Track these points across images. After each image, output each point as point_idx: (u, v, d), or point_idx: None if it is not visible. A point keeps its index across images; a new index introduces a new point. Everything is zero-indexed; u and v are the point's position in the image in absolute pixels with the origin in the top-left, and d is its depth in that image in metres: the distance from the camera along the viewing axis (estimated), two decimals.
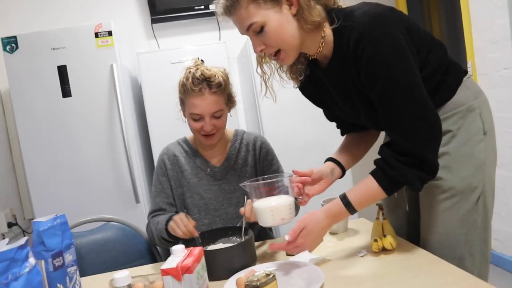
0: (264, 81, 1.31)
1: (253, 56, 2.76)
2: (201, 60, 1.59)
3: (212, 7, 3.28)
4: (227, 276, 1.22)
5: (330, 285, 1.11)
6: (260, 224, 1.29)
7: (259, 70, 1.31)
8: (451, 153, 1.18)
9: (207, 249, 1.36)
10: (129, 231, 1.75)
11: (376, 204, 1.40)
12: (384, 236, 1.28)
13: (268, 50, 1.18)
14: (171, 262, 1.01)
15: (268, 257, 1.40)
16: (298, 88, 1.41)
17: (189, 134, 1.71)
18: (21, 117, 2.63)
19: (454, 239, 1.22)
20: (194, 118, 1.54)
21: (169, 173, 1.65)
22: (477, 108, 1.22)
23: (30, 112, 2.63)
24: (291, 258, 1.28)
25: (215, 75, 1.51)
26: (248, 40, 2.78)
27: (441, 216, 1.23)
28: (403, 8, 3.78)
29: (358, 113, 1.27)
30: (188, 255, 1.05)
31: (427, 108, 1.10)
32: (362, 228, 1.54)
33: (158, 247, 1.75)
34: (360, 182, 1.20)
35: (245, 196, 1.34)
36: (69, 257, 1.23)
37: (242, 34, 1.21)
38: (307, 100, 1.46)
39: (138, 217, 2.62)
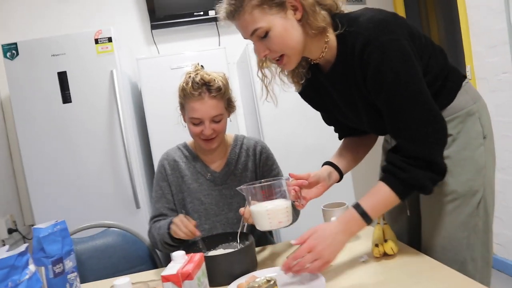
0: (265, 85, 1.30)
1: (253, 61, 2.79)
2: (201, 66, 1.59)
3: (211, 13, 3.31)
4: (228, 282, 1.22)
5: None
6: (258, 228, 1.28)
7: (260, 74, 1.30)
8: (452, 157, 1.18)
9: (208, 255, 1.36)
10: (129, 237, 1.74)
11: None
12: (385, 241, 1.27)
13: (271, 54, 1.17)
14: (172, 269, 1.00)
15: (269, 262, 1.40)
16: (297, 92, 1.40)
17: (189, 139, 1.70)
18: (21, 123, 2.63)
19: (455, 243, 1.22)
20: (194, 122, 1.54)
21: (170, 179, 1.65)
22: (477, 112, 1.22)
23: (30, 118, 2.63)
24: None
25: (214, 80, 1.52)
26: (248, 46, 2.82)
27: (442, 220, 1.23)
28: (401, 13, 3.79)
29: (360, 118, 1.27)
30: (188, 261, 1.04)
31: (434, 113, 1.10)
32: (363, 233, 1.52)
33: (158, 253, 1.74)
34: (371, 190, 1.17)
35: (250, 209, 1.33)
36: (69, 263, 1.22)
37: (245, 38, 1.20)
38: (307, 105, 1.46)
39: (139, 223, 2.61)
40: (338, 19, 1.15)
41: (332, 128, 1.51)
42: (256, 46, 1.18)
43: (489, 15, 2.67)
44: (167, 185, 1.65)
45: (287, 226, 1.30)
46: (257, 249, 1.50)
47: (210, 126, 1.53)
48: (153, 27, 3.37)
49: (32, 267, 0.95)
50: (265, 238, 1.69)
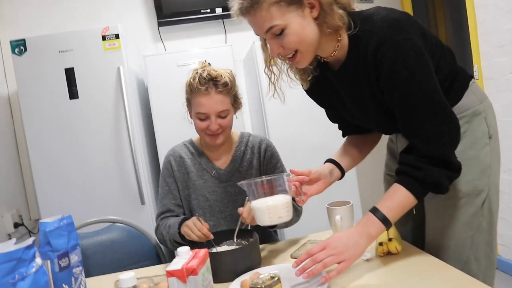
0: (272, 82, 1.29)
1: (259, 59, 2.80)
2: (208, 63, 1.60)
3: (218, 10, 3.31)
4: (232, 279, 1.22)
5: None
6: (258, 223, 1.29)
7: (267, 71, 1.29)
8: (457, 156, 1.18)
9: (212, 252, 1.36)
10: (134, 233, 1.75)
11: None
12: (390, 240, 1.27)
13: (285, 52, 1.16)
14: (176, 264, 1.01)
15: (273, 259, 1.40)
16: (303, 87, 1.38)
17: (195, 136, 1.71)
18: (28, 119, 2.65)
19: (459, 243, 1.22)
20: (200, 117, 1.55)
21: (176, 175, 1.65)
22: (483, 112, 1.22)
23: (37, 114, 2.65)
24: None
25: (221, 75, 1.53)
26: (254, 43, 2.82)
27: (446, 219, 1.23)
28: (408, 12, 3.77)
29: (368, 117, 1.26)
30: (193, 257, 1.05)
31: (448, 112, 1.10)
32: None
33: (163, 249, 1.75)
34: (387, 193, 1.16)
35: (247, 197, 1.34)
36: (74, 257, 1.23)
37: (257, 35, 1.18)
38: (314, 103, 1.45)
39: (144, 219, 2.63)
40: (351, 17, 1.14)
41: (336, 126, 1.51)
42: (270, 43, 1.16)
43: (497, 14, 2.65)
44: (174, 181, 1.66)
45: (288, 222, 1.31)
46: (261, 246, 1.51)
47: (216, 121, 1.53)
48: (160, 24, 3.38)
49: (38, 260, 0.96)
50: (269, 235, 1.70)
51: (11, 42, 2.62)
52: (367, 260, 1.26)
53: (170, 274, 0.99)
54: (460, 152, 1.17)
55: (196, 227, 1.39)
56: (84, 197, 2.67)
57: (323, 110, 1.50)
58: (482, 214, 1.21)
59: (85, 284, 1.19)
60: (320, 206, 1.62)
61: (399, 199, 1.12)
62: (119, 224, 1.77)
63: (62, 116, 2.66)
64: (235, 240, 1.43)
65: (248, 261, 1.30)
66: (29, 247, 0.93)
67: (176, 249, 1.33)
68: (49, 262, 1.15)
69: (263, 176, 1.30)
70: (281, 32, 1.11)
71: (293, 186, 1.28)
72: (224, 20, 3.45)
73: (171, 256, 1.73)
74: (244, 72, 3.42)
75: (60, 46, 2.65)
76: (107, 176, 2.69)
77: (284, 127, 2.87)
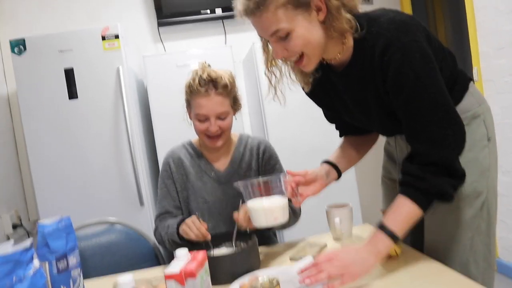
0: (273, 85, 1.27)
1: (259, 60, 2.79)
2: (208, 64, 1.59)
3: (218, 11, 3.32)
4: (230, 281, 1.22)
5: None
6: (254, 224, 1.29)
7: (268, 73, 1.27)
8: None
9: (211, 255, 1.36)
10: (133, 234, 1.75)
11: (381, 210, 1.39)
12: None
13: (290, 55, 1.14)
14: (175, 267, 1.01)
15: (272, 262, 1.40)
16: (303, 89, 1.36)
17: (194, 137, 1.71)
18: (27, 118, 2.64)
19: (458, 245, 1.22)
20: (199, 119, 1.55)
21: (174, 176, 1.65)
22: (482, 114, 1.23)
23: (36, 114, 2.64)
24: (296, 264, 1.27)
25: (221, 77, 1.52)
26: (254, 45, 2.82)
27: (446, 222, 1.22)
28: (408, 13, 3.77)
29: (371, 118, 1.26)
30: (191, 259, 1.05)
31: (453, 115, 1.09)
32: (366, 234, 1.52)
33: (162, 251, 1.74)
34: (392, 206, 1.13)
35: (240, 201, 1.33)
36: (73, 259, 1.23)
37: (261, 37, 1.17)
38: (313, 104, 1.45)
39: (143, 220, 2.63)
40: (357, 19, 1.12)
41: (334, 127, 1.51)
42: (274, 46, 1.14)
43: (497, 16, 2.65)
44: (172, 182, 1.65)
45: (285, 224, 1.30)
46: (260, 248, 1.50)
47: (215, 123, 1.53)
48: (160, 24, 3.38)
49: (36, 263, 0.96)
50: (268, 237, 1.69)
51: (10, 41, 2.62)
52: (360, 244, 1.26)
53: (168, 276, 0.99)
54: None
55: (194, 225, 1.39)
56: (83, 198, 2.66)
57: (321, 110, 1.49)
58: (481, 216, 1.21)
59: (83, 286, 1.19)
60: (319, 208, 1.62)
61: (405, 213, 1.11)
62: (118, 225, 1.77)
63: (61, 116, 2.66)
64: (234, 247, 1.42)
65: (247, 264, 1.29)
66: (27, 249, 0.92)
67: (174, 250, 1.33)
68: (47, 264, 1.14)
69: (259, 177, 1.30)
70: (287, 35, 1.09)
71: (289, 187, 1.27)
72: (223, 20, 3.45)
73: (170, 258, 1.72)
74: (244, 73, 3.42)
75: (59, 45, 2.65)
76: (106, 177, 2.68)
77: (283, 129, 2.87)
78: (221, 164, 1.67)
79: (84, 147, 2.68)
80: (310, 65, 1.16)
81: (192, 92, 1.54)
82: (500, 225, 2.74)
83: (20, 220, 2.98)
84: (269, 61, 1.25)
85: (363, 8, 1.17)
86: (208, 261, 1.12)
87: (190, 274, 0.99)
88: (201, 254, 1.08)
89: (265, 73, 1.28)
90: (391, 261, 1.24)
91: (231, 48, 2.97)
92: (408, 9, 3.75)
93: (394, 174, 1.46)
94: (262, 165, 1.67)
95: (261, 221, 1.25)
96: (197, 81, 1.51)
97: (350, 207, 1.52)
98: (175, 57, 2.92)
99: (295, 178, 1.29)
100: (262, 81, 2.83)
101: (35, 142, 2.65)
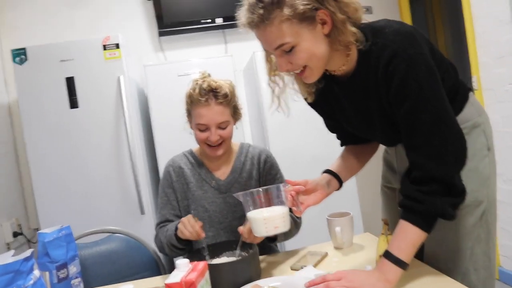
0: (276, 95, 1.25)
1: (259, 69, 2.81)
2: (208, 74, 1.60)
3: (219, 21, 3.34)
4: None
5: None
6: (255, 234, 1.28)
7: (271, 83, 1.25)
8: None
9: (211, 263, 1.35)
10: (133, 243, 1.74)
11: (382, 219, 1.39)
12: None
13: (293, 68, 1.13)
14: (175, 277, 1.01)
15: (272, 271, 1.39)
16: (305, 100, 1.36)
17: (194, 146, 1.71)
18: (29, 127, 2.65)
19: (459, 254, 1.21)
20: (200, 128, 1.55)
21: (175, 185, 1.65)
22: (482, 124, 1.23)
23: (37, 123, 2.65)
24: (297, 273, 1.27)
25: (221, 87, 1.53)
26: (254, 54, 2.83)
27: (446, 230, 1.22)
28: (407, 23, 3.79)
29: (373, 129, 1.26)
30: (192, 269, 1.04)
31: (455, 131, 1.08)
32: (367, 243, 1.53)
33: (162, 260, 1.74)
34: (396, 231, 1.12)
35: (246, 218, 1.33)
36: (73, 268, 1.23)
37: (265, 49, 1.16)
38: (315, 113, 1.45)
39: (143, 229, 2.62)
40: (362, 30, 1.11)
41: (334, 136, 1.51)
42: (278, 59, 1.13)
43: (496, 25, 2.67)
44: (173, 191, 1.65)
45: (287, 235, 1.30)
46: (260, 257, 1.50)
47: (216, 132, 1.54)
48: (161, 34, 3.39)
49: (36, 273, 0.96)
50: (269, 246, 1.69)
51: (12, 51, 2.63)
52: (369, 271, 1.25)
53: (168, 287, 0.99)
54: None
55: (189, 223, 1.40)
56: (83, 207, 2.66)
57: (322, 120, 1.49)
58: (481, 225, 1.21)
59: None
60: (320, 217, 1.62)
61: (408, 237, 1.09)
62: (118, 234, 1.76)
63: (62, 125, 2.66)
64: (237, 257, 1.41)
65: (247, 273, 1.28)
66: (27, 259, 0.92)
67: (173, 256, 1.33)
68: (47, 273, 1.14)
69: (260, 187, 1.29)
70: (291, 49, 1.08)
71: (289, 196, 1.26)
72: (224, 30, 3.46)
73: (171, 267, 1.72)
74: (244, 82, 3.43)
75: (61, 55, 2.66)
76: (106, 185, 2.68)
77: (284, 138, 2.87)
78: (222, 173, 1.67)
79: (85, 156, 2.68)
80: (312, 77, 1.16)
81: (192, 102, 1.54)
82: (502, 233, 2.73)
83: (21, 228, 2.98)
84: (272, 71, 1.24)
85: (363, 18, 1.17)
86: (209, 270, 1.12)
87: (191, 284, 0.98)
88: (201, 264, 1.08)
89: (268, 84, 1.26)
90: None
91: (231, 57, 2.98)
92: (407, 19, 3.77)
93: (394, 183, 1.46)
94: (263, 174, 1.67)
95: (262, 231, 1.24)
96: (197, 90, 1.52)
97: (351, 216, 1.52)
98: (176, 66, 2.94)
99: (295, 188, 1.28)
100: (263, 90, 2.83)
101: (36, 150, 2.65)
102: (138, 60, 3.26)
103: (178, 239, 1.46)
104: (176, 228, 1.46)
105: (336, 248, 1.52)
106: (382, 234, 1.34)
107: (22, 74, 2.63)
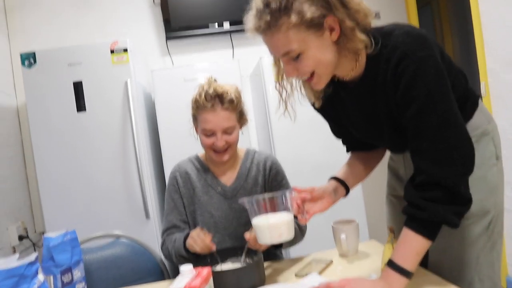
0: (283, 99, 1.24)
1: (266, 74, 2.81)
2: (214, 79, 1.61)
3: (226, 25, 3.34)
4: None
5: None
6: (259, 241, 1.28)
7: (278, 87, 1.24)
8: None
9: (216, 270, 1.35)
10: (138, 248, 1.74)
11: (388, 227, 1.38)
12: None
13: (300, 74, 1.12)
14: (180, 283, 1.00)
15: (277, 278, 1.39)
16: (312, 106, 1.35)
17: (200, 152, 1.71)
18: (36, 131, 2.66)
19: (464, 263, 1.20)
20: (206, 134, 1.55)
21: (182, 190, 1.65)
22: (491, 132, 1.22)
23: (45, 126, 2.66)
24: (301, 280, 1.26)
25: (227, 92, 1.53)
26: (261, 59, 2.83)
27: (452, 239, 1.21)
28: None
29: (381, 134, 1.25)
30: (196, 275, 1.04)
31: (464, 137, 1.06)
32: (372, 250, 1.52)
33: (167, 265, 1.74)
34: (399, 240, 1.12)
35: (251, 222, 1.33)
36: (77, 273, 1.23)
37: (272, 55, 1.15)
38: (322, 119, 1.44)
39: (148, 234, 2.62)
40: (371, 35, 1.10)
41: (341, 142, 1.50)
42: (285, 66, 1.12)
43: (505, 31, 2.65)
44: (179, 197, 1.65)
45: (292, 241, 1.29)
46: (265, 264, 1.49)
47: (222, 137, 1.54)
48: (168, 38, 3.41)
49: (41, 277, 0.96)
50: (273, 253, 1.68)
51: (21, 54, 2.66)
52: (374, 280, 1.25)
53: None
54: None
55: (199, 238, 1.39)
56: (89, 211, 2.67)
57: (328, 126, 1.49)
58: (488, 234, 1.20)
59: None
60: (325, 224, 1.61)
61: (411, 246, 1.08)
62: (123, 239, 1.77)
63: (69, 129, 2.68)
64: (242, 263, 1.41)
65: (252, 280, 1.28)
66: (31, 263, 0.92)
67: (181, 264, 1.32)
68: (51, 277, 1.15)
69: (265, 193, 1.29)
70: (298, 55, 1.07)
71: (295, 204, 1.25)
72: (231, 34, 3.48)
73: (175, 273, 1.72)
74: (251, 88, 3.43)
75: (69, 59, 2.68)
76: (112, 190, 2.69)
77: (291, 144, 2.86)
78: (228, 178, 1.67)
79: (91, 160, 2.69)
80: (320, 84, 1.15)
81: (198, 107, 1.55)
82: (509, 242, 2.70)
83: (27, 231, 2.99)
84: (280, 76, 1.24)
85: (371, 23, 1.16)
86: (213, 276, 1.12)
87: None
88: (205, 270, 1.08)
89: (276, 88, 1.26)
90: None
91: (238, 62, 2.98)
92: (415, 24, 3.76)
93: (400, 191, 1.45)
94: (269, 180, 1.67)
95: (266, 238, 1.24)
96: (203, 96, 1.52)
97: (356, 224, 1.51)
98: (182, 71, 2.94)
99: (301, 195, 1.27)
100: (270, 96, 2.83)
101: (43, 154, 2.66)
102: (145, 65, 3.28)
103: (187, 251, 1.46)
104: (184, 240, 1.46)
105: (341, 255, 1.52)
106: (388, 242, 1.34)
107: (30, 78, 2.66)
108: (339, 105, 1.30)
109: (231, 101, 1.54)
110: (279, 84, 1.24)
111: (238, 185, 1.65)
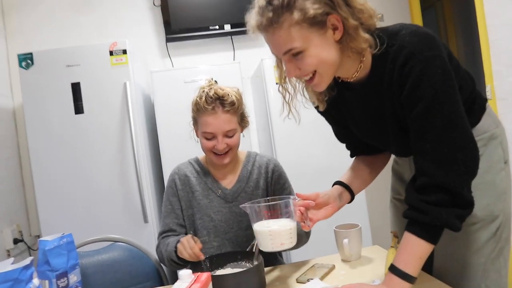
0: (287, 101, 1.24)
1: (267, 76, 2.81)
2: (215, 81, 1.60)
3: (227, 27, 3.34)
4: None
5: None
6: (260, 248, 1.27)
7: (281, 89, 1.24)
8: (474, 180, 1.15)
9: (215, 274, 1.34)
10: (136, 252, 1.74)
11: (391, 232, 1.37)
12: None
13: (302, 74, 1.12)
14: None
15: (277, 283, 1.38)
16: (316, 108, 1.34)
17: (200, 154, 1.71)
18: (33, 132, 2.66)
19: (471, 270, 1.19)
20: (206, 137, 1.55)
21: (180, 194, 1.65)
22: (499, 136, 1.21)
23: (42, 128, 2.66)
24: (303, 286, 1.25)
25: (228, 94, 1.53)
26: (263, 61, 2.83)
27: (458, 245, 1.20)
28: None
29: (387, 137, 1.23)
30: (195, 280, 1.03)
31: (469, 140, 1.05)
32: (376, 255, 1.51)
33: (165, 270, 1.73)
34: (401, 244, 1.10)
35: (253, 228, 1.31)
36: (74, 277, 1.22)
37: (273, 54, 1.15)
38: (324, 122, 1.43)
39: (146, 238, 2.61)
40: (376, 35, 1.10)
41: (344, 146, 1.49)
42: (286, 65, 1.12)
43: (510, 33, 2.65)
44: (177, 200, 1.65)
45: (291, 249, 1.28)
46: (265, 269, 1.48)
47: (223, 140, 1.54)
48: (168, 40, 3.41)
49: (36, 281, 0.95)
50: (274, 258, 1.67)
51: (18, 55, 2.65)
52: (376, 285, 1.24)
53: None
54: (477, 176, 1.13)
55: (188, 245, 1.39)
56: (86, 214, 2.66)
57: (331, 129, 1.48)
58: (495, 240, 1.19)
59: None
60: (328, 229, 1.60)
61: (413, 250, 1.07)
62: (120, 243, 1.76)
63: (67, 131, 2.67)
64: (254, 263, 1.38)
65: (252, 285, 1.27)
66: (26, 267, 0.92)
67: (173, 269, 1.31)
68: (47, 282, 1.14)
69: (268, 198, 1.28)
70: (300, 54, 1.07)
71: (298, 211, 1.24)
72: (232, 36, 3.48)
73: (173, 277, 1.71)
74: (252, 90, 3.43)
75: (67, 60, 2.67)
76: (110, 193, 2.68)
77: (292, 147, 2.85)
78: (228, 182, 1.67)
79: (88, 162, 2.68)
80: (322, 85, 1.14)
81: (199, 110, 1.54)
82: None
83: (22, 235, 2.98)
84: (283, 78, 1.23)
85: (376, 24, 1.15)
86: (212, 281, 1.11)
87: None
88: (205, 275, 1.07)
89: (278, 90, 1.25)
90: None
91: (239, 64, 2.98)
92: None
93: (403, 195, 1.44)
94: (271, 184, 1.66)
95: (267, 245, 1.23)
96: (204, 98, 1.52)
97: (359, 228, 1.50)
98: (183, 73, 2.94)
99: (305, 202, 1.25)
100: (271, 98, 2.83)
101: (40, 156, 2.65)
102: (144, 66, 3.27)
103: (178, 256, 1.46)
104: (176, 245, 1.46)
105: (344, 260, 1.50)
106: (392, 247, 1.33)
107: (28, 79, 2.65)
108: (343, 107, 1.29)
109: (232, 104, 1.53)
110: (282, 86, 1.24)
111: (239, 189, 1.64)
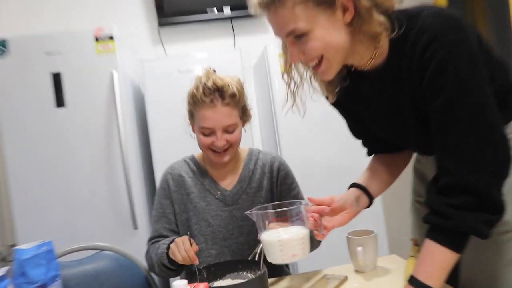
0: (292, 91, 1.24)
1: (272, 66, 2.81)
2: (213, 70, 1.60)
3: (226, 10, 3.34)
4: None
5: None
6: (268, 260, 1.27)
7: (286, 78, 1.24)
8: (507, 182, 1.13)
9: (213, 286, 1.34)
10: (124, 262, 1.74)
11: (411, 239, 1.36)
12: None
13: (307, 60, 1.12)
14: None
15: None
16: (327, 99, 1.33)
17: (197, 152, 1.70)
18: (8, 128, 2.66)
19: (500, 283, 1.18)
20: (204, 132, 1.55)
21: (173, 196, 1.65)
22: None
23: (18, 123, 2.66)
24: None
25: (228, 85, 1.53)
26: (266, 48, 2.82)
27: (488, 255, 1.19)
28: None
29: (406, 133, 1.23)
30: None
31: (499, 135, 1.04)
32: (393, 266, 1.51)
33: (156, 280, 1.73)
34: (422, 252, 1.10)
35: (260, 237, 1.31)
36: None
37: (276, 35, 1.14)
38: (334, 115, 1.43)
39: (136, 245, 2.60)
40: (395, 18, 1.08)
41: (360, 143, 1.48)
42: (290, 48, 1.12)
43: None
44: (170, 203, 1.65)
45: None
46: (270, 280, 1.48)
47: (222, 136, 1.53)
48: (161, 24, 3.41)
49: None
50: (279, 268, 1.67)
51: None
52: None
53: None
54: (509, 178, 1.11)
55: (184, 246, 1.38)
56: (68, 220, 2.66)
57: (344, 123, 1.47)
58: None
59: None
60: (340, 235, 1.60)
61: (436, 260, 1.06)
62: (107, 251, 1.76)
63: (46, 126, 2.67)
64: (261, 268, 1.38)
65: None
66: (0, 279, 0.91)
67: (163, 276, 1.31)
68: None
69: (276, 203, 1.28)
70: (304, 35, 1.06)
71: (311, 218, 1.24)
72: (232, 21, 3.47)
73: None
74: (254, 80, 3.43)
75: (46, 47, 2.67)
76: (95, 196, 2.68)
77: (298, 143, 2.85)
78: (228, 182, 1.67)
79: (71, 162, 2.68)
80: (329, 72, 1.13)
81: (195, 103, 1.54)
82: None
83: None
84: (288, 65, 1.23)
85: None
86: None
87: None
88: (201, 286, 1.07)
89: (283, 78, 1.25)
90: None
91: (240, 52, 2.98)
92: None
93: None
94: (277, 184, 1.66)
95: (277, 257, 1.22)
96: (201, 90, 1.52)
97: (374, 235, 1.50)
98: (177, 61, 2.94)
99: (318, 208, 1.25)
100: (275, 89, 2.82)
101: (16, 154, 2.66)
102: (134, 54, 3.27)
103: (170, 259, 1.46)
104: (169, 247, 1.46)
105: (357, 271, 1.51)
106: (411, 256, 1.33)
107: (1, 69, 2.65)
108: (358, 99, 1.29)
109: (233, 96, 1.53)
110: (288, 74, 1.23)
111: (240, 190, 1.64)
